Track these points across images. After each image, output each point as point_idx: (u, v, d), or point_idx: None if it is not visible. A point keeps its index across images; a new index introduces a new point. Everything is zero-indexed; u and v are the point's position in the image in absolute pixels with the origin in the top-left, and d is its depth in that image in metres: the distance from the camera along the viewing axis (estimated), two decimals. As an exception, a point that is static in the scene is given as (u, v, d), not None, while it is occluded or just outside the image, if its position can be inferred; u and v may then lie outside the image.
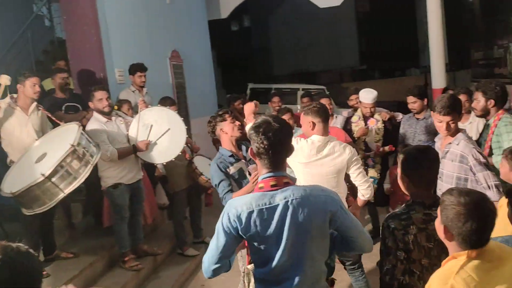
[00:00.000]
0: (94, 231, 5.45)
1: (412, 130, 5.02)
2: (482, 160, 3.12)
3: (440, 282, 1.75)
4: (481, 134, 3.88)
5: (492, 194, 2.93)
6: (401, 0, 19.85)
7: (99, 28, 6.00)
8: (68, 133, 4.02)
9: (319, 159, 3.43)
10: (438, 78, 10.26)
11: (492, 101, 3.71)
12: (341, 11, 14.90)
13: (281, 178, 2.10)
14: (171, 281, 4.89)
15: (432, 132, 4.69)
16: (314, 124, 3.45)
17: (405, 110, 5.57)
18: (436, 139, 3.79)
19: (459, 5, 18.82)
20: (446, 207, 1.79)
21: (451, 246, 1.82)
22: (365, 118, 5.24)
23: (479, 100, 3.78)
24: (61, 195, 3.80)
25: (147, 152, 4.71)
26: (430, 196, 2.27)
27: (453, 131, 3.23)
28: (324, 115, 3.48)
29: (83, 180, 3.89)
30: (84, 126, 4.39)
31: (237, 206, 2.05)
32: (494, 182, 3.05)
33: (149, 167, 5.61)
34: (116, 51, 6.33)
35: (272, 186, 2.07)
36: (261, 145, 2.06)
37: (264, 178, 2.11)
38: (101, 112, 4.61)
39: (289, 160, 3.42)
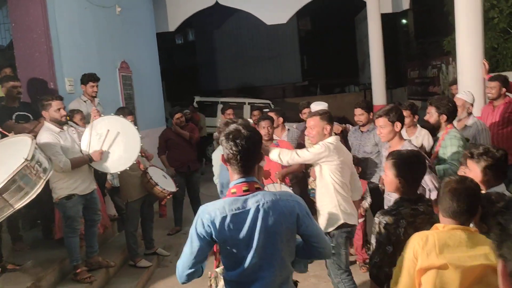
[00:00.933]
0: (44, 243, 5.29)
1: (357, 142, 5.28)
2: (428, 164, 3.46)
3: (419, 236, 2.15)
4: (432, 148, 4.16)
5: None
6: (341, 21, 20.63)
7: (49, 37, 5.86)
8: (19, 146, 3.85)
9: (348, 155, 3.78)
10: (379, 95, 10.91)
11: (445, 116, 3.98)
12: (284, 28, 15.31)
13: (253, 183, 2.20)
14: (124, 293, 4.82)
15: (375, 144, 5.01)
16: (331, 128, 3.81)
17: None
18: (383, 149, 4.09)
19: (395, 27, 19.94)
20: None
21: (443, 220, 2.18)
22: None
23: (432, 114, 4.04)
24: (10, 211, 3.60)
25: (101, 162, 4.66)
26: (416, 193, 2.60)
27: (388, 137, 3.63)
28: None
29: (34, 196, 3.70)
30: (35, 136, 4.26)
31: (211, 211, 2.13)
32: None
33: (99, 178, 5.53)
34: (66, 60, 6.20)
35: (244, 191, 2.17)
36: (230, 151, 2.16)
37: (236, 183, 2.20)
38: (57, 122, 4.53)
39: (326, 160, 3.65)
